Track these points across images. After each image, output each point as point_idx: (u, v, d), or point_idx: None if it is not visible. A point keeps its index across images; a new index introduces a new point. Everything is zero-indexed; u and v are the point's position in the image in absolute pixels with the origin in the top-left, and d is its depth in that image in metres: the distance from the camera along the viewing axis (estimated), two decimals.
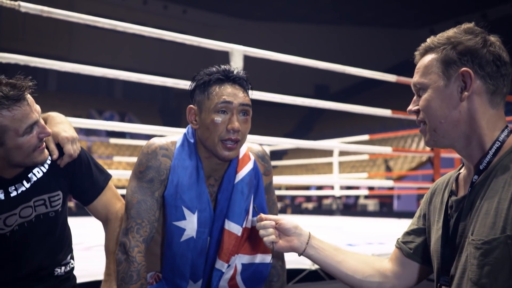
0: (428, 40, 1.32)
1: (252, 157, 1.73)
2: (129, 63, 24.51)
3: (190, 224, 1.61)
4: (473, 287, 1.16)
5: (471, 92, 1.23)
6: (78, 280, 1.87)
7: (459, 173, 1.35)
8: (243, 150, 1.72)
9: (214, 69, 1.63)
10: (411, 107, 1.34)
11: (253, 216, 1.70)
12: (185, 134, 1.68)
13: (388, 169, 16.92)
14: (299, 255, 1.46)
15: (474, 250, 1.17)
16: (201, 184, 1.63)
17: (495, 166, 1.22)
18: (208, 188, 1.66)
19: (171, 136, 1.73)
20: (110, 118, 22.56)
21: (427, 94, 1.27)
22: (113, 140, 8.51)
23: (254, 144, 1.83)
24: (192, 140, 1.65)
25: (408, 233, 1.47)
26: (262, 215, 1.46)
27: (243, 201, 1.66)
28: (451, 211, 1.29)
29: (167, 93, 27.37)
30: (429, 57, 1.29)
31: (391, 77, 4.80)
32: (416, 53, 1.35)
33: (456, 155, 6.29)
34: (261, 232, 1.45)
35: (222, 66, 1.63)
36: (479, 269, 1.15)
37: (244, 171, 1.68)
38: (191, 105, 1.64)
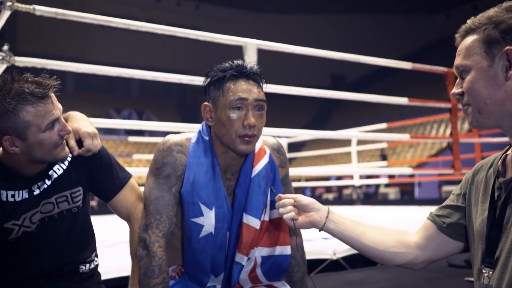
0: (469, 21, 1.29)
1: (268, 151, 1.74)
2: (144, 61, 24.66)
3: (208, 220, 1.62)
4: None
5: None
6: (103, 277, 1.90)
7: (506, 155, 1.33)
8: (258, 144, 1.73)
9: (227, 64, 1.63)
10: (455, 90, 1.31)
11: (271, 198, 1.71)
12: (199, 132, 1.70)
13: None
14: (320, 230, 1.45)
15: None
16: (217, 181, 1.64)
17: None
18: (225, 182, 1.68)
19: (185, 133, 1.75)
20: (128, 117, 22.74)
21: (471, 76, 1.25)
22: (132, 138, 8.57)
23: (269, 137, 1.83)
24: (207, 138, 1.67)
25: (444, 207, 1.45)
26: (281, 195, 1.47)
27: (261, 195, 1.67)
28: (499, 192, 1.27)
29: (183, 90, 27.48)
30: (470, 39, 1.26)
31: (406, 65, 4.76)
32: (457, 35, 1.32)
33: (475, 140, 6.23)
34: (281, 210, 1.45)
35: (236, 62, 1.64)
36: None
37: (260, 165, 1.69)
38: (206, 103, 1.65)
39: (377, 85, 25.20)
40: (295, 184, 13.44)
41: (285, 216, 1.44)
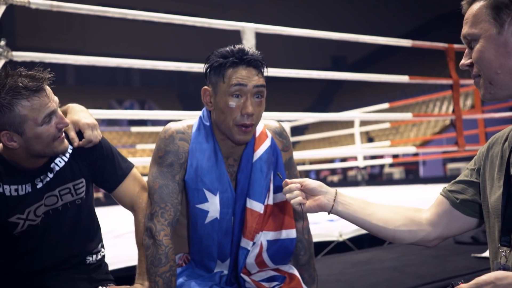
0: None
1: (269, 135, 1.73)
2: (144, 50, 24.61)
3: (213, 206, 1.63)
4: None
5: None
6: (110, 267, 1.91)
7: None
8: (259, 128, 1.72)
9: (228, 49, 1.61)
10: (464, 61, 1.25)
11: (276, 183, 1.70)
12: (200, 118, 1.69)
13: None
14: (328, 213, 1.42)
15: None
16: (220, 166, 1.64)
17: None
18: (228, 168, 1.68)
19: (186, 119, 1.74)
20: (130, 107, 22.76)
21: (480, 45, 1.18)
22: (134, 129, 8.56)
23: (271, 121, 1.82)
24: (207, 123, 1.66)
25: (457, 183, 1.40)
26: (287, 180, 1.45)
27: (263, 179, 1.67)
28: None
29: (184, 78, 27.45)
30: (477, 5, 1.20)
31: (406, 42, 4.73)
32: (463, 2, 1.25)
33: (478, 116, 6.21)
34: (288, 195, 1.42)
35: (237, 47, 1.61)
36: None
37: (261, 149, 1.68)
38: (206, 87, 1.64)
39: (378, 65, 25.10)
40: (299, 168, 13.36)
41: (292, 201, 1.42)
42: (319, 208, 1.42)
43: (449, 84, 4.83)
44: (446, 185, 1.44)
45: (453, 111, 4.77)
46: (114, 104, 23.04)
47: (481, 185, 1.33)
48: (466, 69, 1.25)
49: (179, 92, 27.25)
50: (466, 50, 1.25)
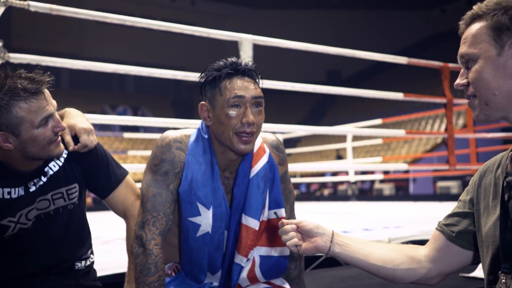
0: (475, 7, 1.21)
1: (267, 150, 1.72)
2: (140, 57, 24.60)
3: (205, 219, 1.62)
4: None
5: None
6: (99, 274, 1.90)
7: None
8: (257, 143, 1.70)
9: (222, 63, 1.61)
10: (459, 80, 1.23)
11: (273, 198, 1.69)
12: (199, 129, 1.68)
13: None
14: (326, 255, 1.40)
15: None
16: (216, 180, 1.63)
17: None
18: (224, 181, 1.67)
19: (184, 129, 1.73)
20: (123, 113, 22.70)
21: (478, 65, 1.17)
22: (127, 135, 8.55)
23: (268, 134, 1.81)
24: (206, 136, 1.65)
25: (451, 216, 1.38)
26: (284, 220, 1.44)
27: (260, 195, 1.66)
28: (509, 192, 1.20)
29: (179, 86, 27.45)
30: (477, 26, 1.19)
31: (402, 59, 4.77)
32: (461, 22, 1.24)
33: (470, 135, 6.25)
34: (284, 237, 1.41)
35: (230, 59, 1.61)
36: None
37: (259, 165, 1.67)
38: (203, 102, 1.63)
39: (373, 81, 25.22)
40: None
41: (288, 243, 1.40)
42: (316, 250, 1.40)
43: (442, 102, 4.86)
44: (441, 219, 1.42)
45: (446, 129, 4.81)
46: (108, 109, 22.96)
47: (475, 214, 1.32)
48: (461, 88, 1.24)
49: (173, 100, 27.22)
50: (462, 70, 1.24)
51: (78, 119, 1.73)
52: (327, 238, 1.40)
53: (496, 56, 1.16)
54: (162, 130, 3.90)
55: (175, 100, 27.15)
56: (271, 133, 1.84)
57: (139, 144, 20.62)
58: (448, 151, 4.70)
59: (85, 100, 22.72)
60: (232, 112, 1.55)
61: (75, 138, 1.69)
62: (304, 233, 1.41)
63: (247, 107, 1.56)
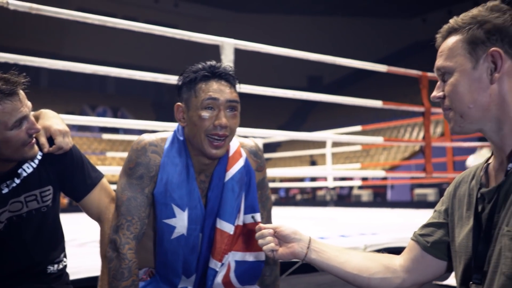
0: (451, 21, 1.22)
1: (244, 154, 1.72)
2: (122, 57, 24.45)
3: (180, 221, 1.61)
4: (507, 282, 1.08)
5: (502, 73, 1.14)
6: (72, 277, 1.88)
7: (488, 164, 1.26)
8: (234, 146, 1.70)
9: (200, 66, 1.62)
10: (435, 93, 1.24)
11: (248, 203, 1.69)
12: (175, 132, 1.68)
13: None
14: (302, 261, 1.40)
15: (509, 242, 1.09)
16: (191, 182, 1.63)
17: None
18: (199, 184, 1.66)
19: (161, 132, 1.72)
20: (103, 114, 22.52)
21: (454, 78, 1.18)
22: (106, 136, 8.48)
23: (247, 139, 1.80)
24: (181, 138, 1.65)
25: (426, 226, 1.38)
26: (261, 225, 1.44)
27: (234, 200, 1.65)
28: (483, 203, 1.20)
29: (160, 88, 27.32)
30: (453, 39, 1.19)
31: (382, 67, 4.81)
32: (438, 35, 1.24)
33: (447, 144, 6.33)
34: (260, 241, 1.41)
35: (208, 63, 1.62)
36: None
37: (234, 169, 1.67)
38: (179, 103, 1.64)
39: (354, 87, 25.42)
40: (269, 185, 13.46)
41: (264, 248, 1.40)
42: (292, 256, 1.40)
43: (421, 111, 4.92)
44: (416, 229, 1.42)
45: (423, 137, 4.86)
46: (87, 110, 22.77)
47: (449, 225, 1.32)
48: (437, 101, 1.25)
49: (153, 102, 27.09)
50: (439, 83, 1.24)
51: (53, 120, 1.71)
52: (304, 244, 1.39)
53: (471, 70, 1.17)
54: (142, 132, 3.87)
55: (156, 102, 27.03)
56: (251, 138, 1.84)
57: (118, 145, 20.46)
58: (425, 159, 4.75)
59: (64, 100, 22.48)
60: (205, 114, 1.55)
61: (50, 140, 1.67)
62: (281, 238, 1.41)
63: (221, 110, 1.56)
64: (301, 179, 16.64)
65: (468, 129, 1.20)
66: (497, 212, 1.15)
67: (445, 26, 1.23)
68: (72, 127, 14.54)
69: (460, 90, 1.18)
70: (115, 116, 23.01)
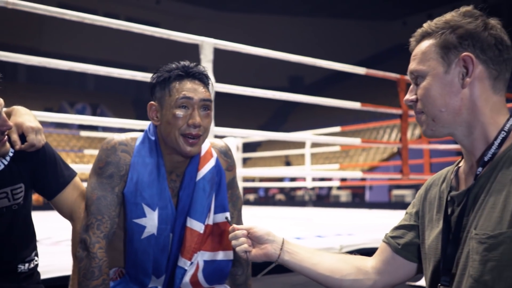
0: (425, 25, 1.24)
1: (215, 154, 1.73)
2: (102, 54, 24.26)
3: (150, 221, 1.61)
4: (474, 284, 1.10)
5: (473, 78, 1.16)
6: (44, 276, 1.86)
7: (458, 167, 1.28)
8: (205, 147, 1.72)
9: (173, 65, 1.63)
10: (408, 96, 1.25)
11: (218, 203, 1.70)
12: (146, 131, 1.68)
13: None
14: (275, 262, 1.40)
15: (477, 245, 1.10)
16: (162, 181, 1.63)
17: (501, 157, 1.14)
18: (170, 184, 1.67)
19: (131, 132, 1.73)
20: (82, 110, 22.29)
21: (426, 82, 1.20)
22: (84, 133, 8.40)
23: (217, 139, 1.83)
24: (153, 138, 1.65)
25: (397, 228, 1.40)
26: (234, 226, 1.44)
27: (205, 199, 1.66)
28: (453, 206, 1.22)
29: (140, 86, 27.04)
30: (426, 43, 1.21)
31: (360, 70, 4.85)
32: (412, 39, 1.26)
33: (424, 146, 6.40)
34: (233, 242, 1.41)
35: (182, 62, 1.64)
36: (481, 265, 1.08)
37: (205, 169, 1.68)
38: (152, 102, 1.64)
39: (335, 87, 25.56)
40: (249, 184, 13.48)
41: (237, 248, 1.40)
42: (265, 257, 1.40)
43: (398, 113, 4.97)
44: (388, 231, 1.44)
45: (400, 139, 4.91)
46: (66, 106, 22.49)
47: (420, 227, 1.35)
48: (410, 104, 1.26)
49: (133, 99, 26.89)
50: (412, 86, 1.26)
51: (26, 117, 1.69)
52: (277, 246, 1.40)
53: (444, 74, 1.18)
54: (121, 130, 3.85)
55: (136, 100, 26.82)
56: (220, 139, 1.85)
57: (96, 143, 20.26)
58: (402, 161, 4.80)
59: (43, 96, 22.20)
60: (179, 113, 1.56)
61: (23, 137, 1.64)
62: (255, 239, 1.41)
63: (195, 109, 1.58)
64: (281, 179, 16.69)
65: (440, 132, 1.22)
66: (466, 215, 1.17)
67: (419, 30, 1.25)
68: (50, 124, 14.38)
69: (432, 93, 1.19)
70: (94, 113, 22.79)
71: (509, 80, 1.22)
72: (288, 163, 17.50)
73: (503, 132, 1.16)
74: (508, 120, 1.18)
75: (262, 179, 16.97)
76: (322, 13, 27.75)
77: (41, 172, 1.68)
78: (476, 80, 1.17)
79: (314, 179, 9.81)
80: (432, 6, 22.89)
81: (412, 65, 1.24)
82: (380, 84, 20.34)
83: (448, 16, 1.21)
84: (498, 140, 1.16)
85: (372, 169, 16.13)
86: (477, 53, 1.16)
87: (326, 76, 27.55)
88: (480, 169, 1.17)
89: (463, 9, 1.20)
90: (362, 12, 27.07)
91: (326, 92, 21.20)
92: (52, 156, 1.71)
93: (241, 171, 6.45)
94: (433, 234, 1.27)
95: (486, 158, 1.16)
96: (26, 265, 1.71)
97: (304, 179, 10.51)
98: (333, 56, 5.63)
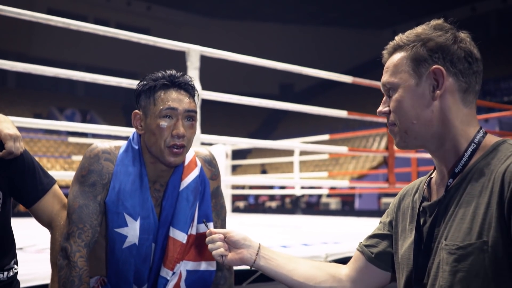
0: (396, 38, 1.26)
1: (199, 163, 1.73)
2: (92, 60, 24.18)
3: (132, 231, 1.60)
4: None
5: (444, 91, 1.17)
6: (26, 284, 1.84)
7: (431, 178, 1.29)
8: (189, 156, 1.71)
9: (159, 74, 1.62)
10: (381, 108, 1.27)
11: (202, 214, 1.69)
12: (129, 140, 1.67)
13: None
14: (250, 267, 1.41)
15: (447, 256, 1.12)
16: (144, 191, 1.62)
17: (471, 169, 1.15)
18: (154, 193, 1.66)
19: (115, 140, 1.72)
20: (72, 116, 22.19)
21: (398, 94, 1.21)
22: (73, 139, 8.35)
23: (202, 148, 1.83)
24: (136, 147, 1.64)
25: (371, 237, 1.42)
26: (211, 229, 1.44)
27: (188, 209, 1.65)
28: (425, 216, 1.23)
29: (130, 92, 26.90)
30: (398, 56, 1.23)
31: (347, 78, 4.88)
32: (384, 52, 1.28)
33: (411, 155, 6.43)
34: (210, 246, 1.41)
35: (168, 71, 1.63)
36: (451, 276, 1.10)
37: (189, 178, 1.67)
38: (137, 111, 1.64)
39: (326, 95, 25.65)
40: (239, 192, 13.46)
41: (213, 252, 1.41)
42: (241, 262, 1.41)
43: (384, 122, 4.99)
44: (362, 240, 1.45)
45: (386, 148, 4.94)
46: (55, 112, 22.39)
47: (393, 237, 1.36)
48: (383, 116, 1.27)
49: (123, 105, 26.81)
50: (384, 98, 1.26)
51: (4, 125, 1.67)
52: (253, 251, 1.41)
53: (415, 86, 1.19)
54: (110, 136, 3.85)
55: (126, 106, 26.75)
56: (204, 148, 1.85)
57: (85, 149, 20.15)
58: (388, 169, 4.82)
59: (32, 101, 22.08)
60: (164, 123, 1.56)
61: (0, 145, 1.63)
62: (231, 244, 1.42)
63: (179, 119, 1.57)
64: (270, 186, 16.68)
65: (412, 144, 1.23)
66: (437, 226, 1.18)
67: (391, 43, 1.27)
68: (39, 130, 14.30)
69: (404, 106, 1.20)
70: (84, 119, 22.70)
71: (482, 88, 1.23)
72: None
73: (473, 144, 1.18)
74: (478, 132, 1.19)
75: (252, 187, 16.95)
76: (313, 22, 27.89)
77: (19, 180, 1.67)
78: (447, 93, 1.18)
79: (303, 187, 9.82)
80: (422, 15, 23.10)
81: (385, 77, 1.25)
82: (371, 92, 20.46)
83: (419, 29, 1.23)
84: (468, 152, 1.17)
85: (361, 177, 16.17)
86: (447, 66, 1.17)
87: (317, 83, 27.65)
88: (451, 180, 1.18)
89: (434, 22, 1.22)
90: (353, 20, 27.24)
91: (317, 100, 21.29)
92: (31, 164, 1.69)
93: (229, 179, 6.42)
94: (406, 244, 1.28)
95: (456, 170, 1.18)
96: (5, 273, 1.69)
97: (293, 186, 10.52)
98: (324, 64, 5.67)
